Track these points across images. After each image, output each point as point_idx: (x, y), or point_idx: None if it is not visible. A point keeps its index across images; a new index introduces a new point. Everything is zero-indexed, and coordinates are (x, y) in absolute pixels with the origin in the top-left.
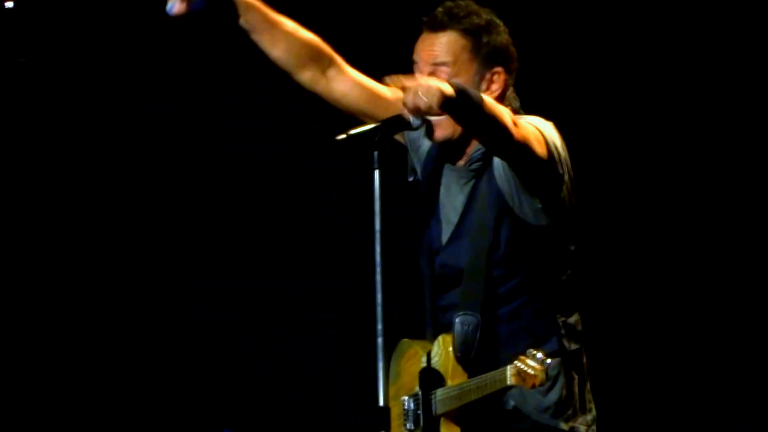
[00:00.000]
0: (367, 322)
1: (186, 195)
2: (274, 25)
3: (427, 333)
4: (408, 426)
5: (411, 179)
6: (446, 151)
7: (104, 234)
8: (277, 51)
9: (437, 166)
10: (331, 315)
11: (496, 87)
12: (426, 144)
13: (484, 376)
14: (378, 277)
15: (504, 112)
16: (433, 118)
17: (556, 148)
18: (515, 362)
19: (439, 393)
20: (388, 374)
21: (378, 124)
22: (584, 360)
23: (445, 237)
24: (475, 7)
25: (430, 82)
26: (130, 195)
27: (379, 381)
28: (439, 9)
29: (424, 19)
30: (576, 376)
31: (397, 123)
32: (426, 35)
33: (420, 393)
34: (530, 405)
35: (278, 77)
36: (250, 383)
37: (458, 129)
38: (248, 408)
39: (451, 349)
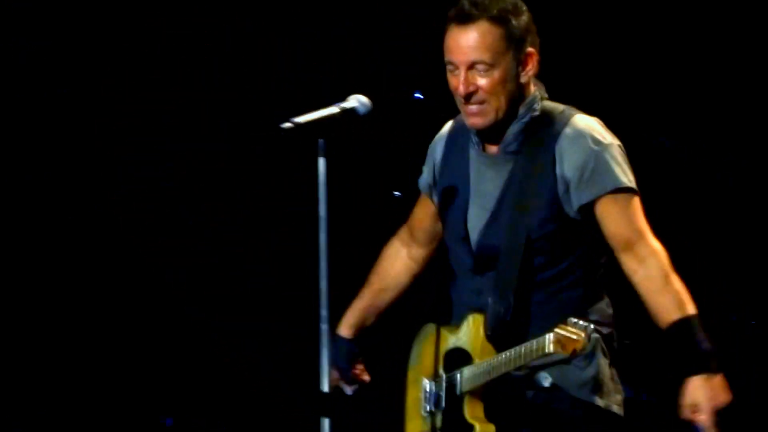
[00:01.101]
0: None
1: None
2: (378, 301)
3: (453, 318)
4: (427, 408)
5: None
6: (475, 137)
7: (80, 233)
8: (395, 289)
9: (464, 155)
10: (279, 301)
11: (530, 67)
12: (441, 135)
13: (518, 347)
14: (323, 264)
15: (687, 300)
16: (473, 107)
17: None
18: (555, 329)
19: (466, 371)
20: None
21: (323, 113)
22: (615, 345)
23: (480, 221)
24: None
25: (717, 401)
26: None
27: (323, 367)
28: (463, 1)
29: (451, 14)
30: (609, 357)
31: (342, 112)
32: (455, 31)
33: (443, 374)
34: (570, 380)
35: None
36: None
37: (500, 115)
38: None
39: (481, 327)
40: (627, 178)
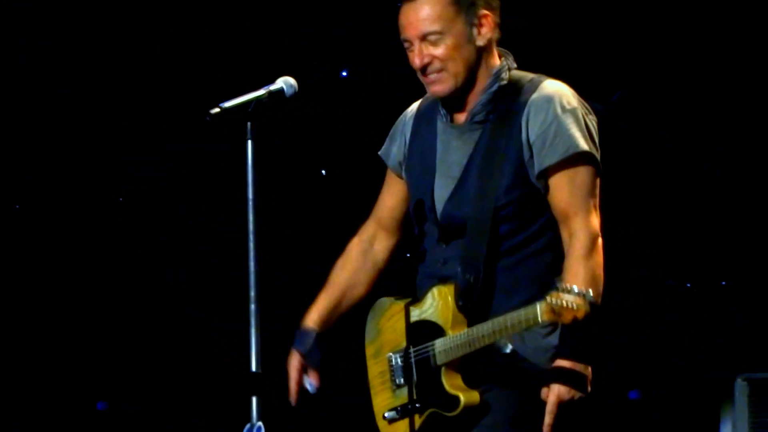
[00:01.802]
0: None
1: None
2: (346, 299)
3: (419, 289)
4: (397, 381)
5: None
6: (443, 109)
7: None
8: (365, 286)
9: (431, 127)
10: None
11: (486, 30)
12: (410, 112)
13: (503, 317)
14: (251, 245)
15: (598, 277)
16: (432, 76)
17: (597, 151)
18: (546, 298)
19: (438, 343)
20: (260, 340)
21: (250, 96)
22: None
23: (447, 191)
24: None
25: (563, 398)
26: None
27: (251, 347)
28: None
29: None
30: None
31: (269, 95)
32: (405, 8)
33: (411, 348)
34: (529, 347)
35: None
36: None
37: (459, 80)
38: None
39: (451, 298)
40: (587, 144)
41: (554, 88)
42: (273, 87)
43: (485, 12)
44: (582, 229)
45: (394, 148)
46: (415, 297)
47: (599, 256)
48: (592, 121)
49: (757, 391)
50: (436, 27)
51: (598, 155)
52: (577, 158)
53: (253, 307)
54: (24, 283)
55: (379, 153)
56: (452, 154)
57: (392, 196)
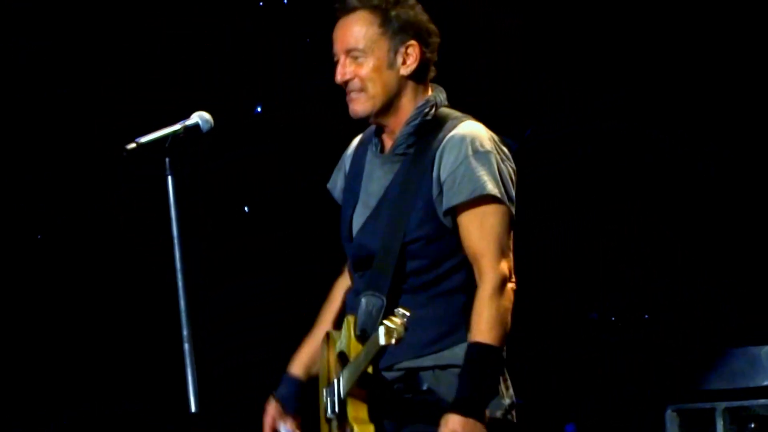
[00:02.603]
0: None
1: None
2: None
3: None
4: (328, 414)
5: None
6: (375, 138)
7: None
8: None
9: (362, 157)
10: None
11: (412, 60)
12: (354, 143)
13: (366, 343)
14: (180, 283)
15: (503, 321)
16: (352, 95)
17: (509, 194)
18: (384, 321)
19: (344, 373)
20: (197, 379)
21: (167, 131)
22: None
23: (361, 220)
24: None
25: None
26: None
27: (188, 386)
28: None
29: (336, 5)
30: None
31: (184, 130)
32: (339, 22)
33: (334, 380)
34: (442, 386)
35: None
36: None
37: (377, 104)
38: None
39: (352, 329)
40: (496, 188)
41: (471, 129)
42: (189, 122)
43: (413, 43)
44: (489, 271)
45: (338, 179)
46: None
47: (506, 300)
48: (508, 166)
49: (687, 422)
50: (360, 45)
51: (506, 199)
52: (483, 201)
53: (186, 346)
54: None
55: (327, 186)
56: (373, 184)
57: None
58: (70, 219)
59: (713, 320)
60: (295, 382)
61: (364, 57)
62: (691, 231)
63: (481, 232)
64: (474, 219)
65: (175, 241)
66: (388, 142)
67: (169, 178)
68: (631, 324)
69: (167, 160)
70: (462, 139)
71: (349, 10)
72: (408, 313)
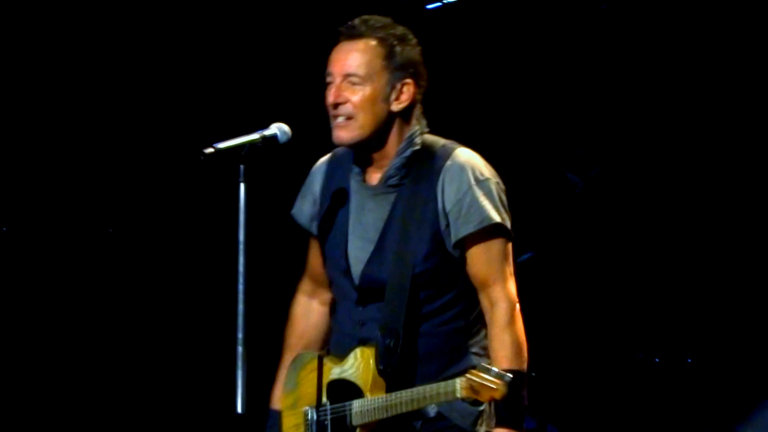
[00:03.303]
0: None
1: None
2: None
3: (335, 346)
4: None
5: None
6: (356, 167)
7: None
8: (319, 343)
9: (344, 186)
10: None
11: (405, 98)
12: (319, 168)
13: (422, 388)
14: (241, 287)
15: (522, 343)
16: (339, 119)
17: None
18: (467, 375)
19: (356, 404)
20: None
21: (244, 140)
22: None
23: (364, 253)
24: (389, 20)
25: None
26: None
27: (237, 388)
28: (356, 19)
29: (341, 29)
30: None
31: (262, 140)
32: (341, 44)
33: (329, 405)
34: (455, 411)
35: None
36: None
37: (365, 134)
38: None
39: (372, 361)
40: (499, 216)
41: (467, 157)
42: (267, 132)
43: (410, 81)
44: (502, 298)
45: (305, 206)
46: (330, 353)
47: (520, 323)
48: (503, 191)
49: None
50: (360, 71)
51: (509, 224)
52: (491, 230)
53: (240, 349)
54: None
55: (291, 213)
56: (367, 216)
57: (317, 255)
58: (141, 217)
59: (756, 370)
60: (280, 416)
61: (361, 85)
62: (749, 278)
63: (488, 260)
64: (482, 248)
65: (241, 246)
66: (375, 173)
67: (242, 185)
68: (674, 366)
69: (242, 167)
70: (462, 168)
71: (356, 36)
72: (504, 373)
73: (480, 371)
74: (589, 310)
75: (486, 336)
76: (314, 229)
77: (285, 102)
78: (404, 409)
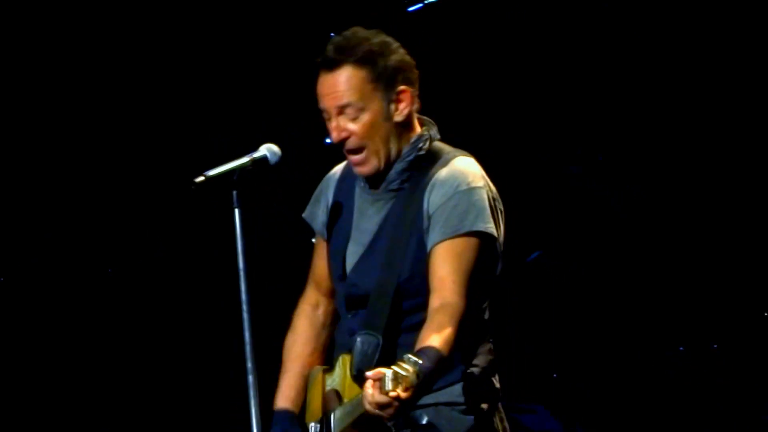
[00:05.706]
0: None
1: None
2: (304, 373)
3: (334, 358)
4: None
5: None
6: (358, 177)
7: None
8: (320, 353)
9: (351, 193)
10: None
11: (404, 105)
12: (334, 175)
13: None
14: (245, 315)
15: (447, 342)
16: (354, 157)
17: (497, 222)
18: (392, 367)
19: (337, 412)
20: (260, 410)
21: (235, 164)
22: (496, 386)
23: (355, 258)
24: (362, 33)
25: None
26: None
27: (252, 417)
28: (329, 46)
29: (318, 61)
30: (486, 402)
31: (252, 163)
32: (323, 77)
33: (323, 416)
34: (443, 419)
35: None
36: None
37: (382, 157)
38: None
39: (348, 367)
40: (483, 224)
41: (461, 164)
42: (257, 154)
43: (403, 87)
44: (454, 303)
45: (318, 211)
46: (333, 365)
47: (453, 328)
48: (495, 200)
49: None
50: (354, 100)
51: (494, 232)
52: (466, 236)
53: (251, 378)
54: None
55: (303, 216)
56: (366, 221)
57: (323, 260)
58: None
59: None
60: (289, 415)
61: (359, 113)
62: None
63: (450, 264)
64: (450, 252)
65: (241, 273)
66: (379, 178)
67: (236, 211)
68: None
69: (234, 193)
70: (452, 174)
71: (335, 65)
72: (421, 361)
73: (403, 362)
74: (614, 310)
75: (491, 350)
76: (326, 234)
77: (273, 121)
78: (361, 410)
